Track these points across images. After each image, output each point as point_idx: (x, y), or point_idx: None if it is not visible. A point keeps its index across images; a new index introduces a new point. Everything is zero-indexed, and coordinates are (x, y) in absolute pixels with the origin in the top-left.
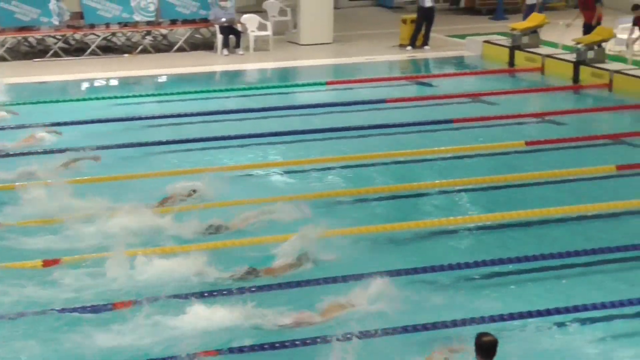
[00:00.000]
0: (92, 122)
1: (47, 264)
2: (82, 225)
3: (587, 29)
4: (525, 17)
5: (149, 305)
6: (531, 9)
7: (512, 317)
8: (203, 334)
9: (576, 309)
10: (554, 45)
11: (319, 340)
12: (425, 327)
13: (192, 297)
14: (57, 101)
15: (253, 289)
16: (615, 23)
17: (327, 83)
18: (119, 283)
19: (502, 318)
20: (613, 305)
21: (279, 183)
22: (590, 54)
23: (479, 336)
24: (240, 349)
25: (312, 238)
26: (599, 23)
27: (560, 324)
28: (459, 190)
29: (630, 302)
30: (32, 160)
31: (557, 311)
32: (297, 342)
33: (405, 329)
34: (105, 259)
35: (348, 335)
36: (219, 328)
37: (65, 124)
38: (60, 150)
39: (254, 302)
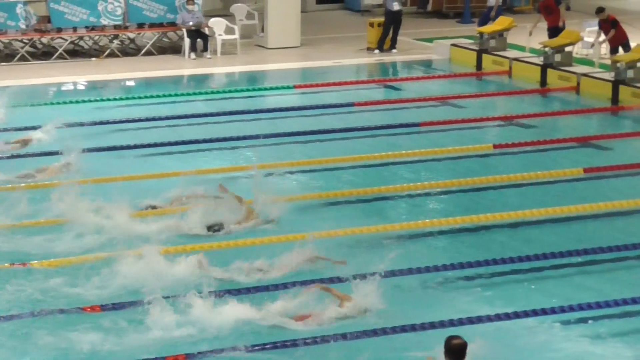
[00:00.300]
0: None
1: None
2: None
3: (553, 32)
4: (483, 19)
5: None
6: (489, 10)
7: (480, 319)
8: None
9: (535, 312)
10: (521, 48)
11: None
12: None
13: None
14: (25, 105)
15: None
16: (581, 26)
17: (295, 87)
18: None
19: (470, 321)
20: (572, 308)
21: (248, 186)
22: (558, 57)
23: (449, 339)
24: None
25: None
26: (556, 28)
27: (531, 326)
28: (426, 194)
29: (589, 306)
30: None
31: (526, 314)
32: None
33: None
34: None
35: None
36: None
37: (34, 128)
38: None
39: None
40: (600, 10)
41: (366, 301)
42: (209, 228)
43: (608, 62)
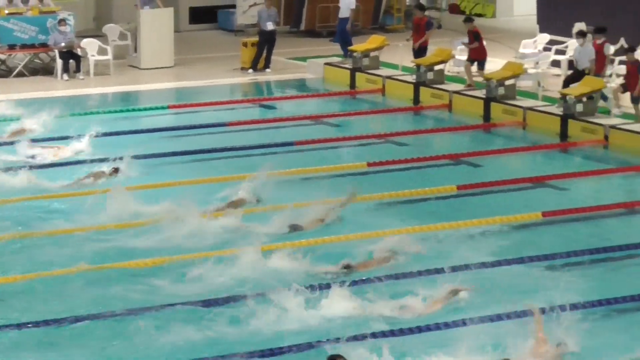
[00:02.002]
0: None
1: None
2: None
3: (419, 51)
4: (339, 35)
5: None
6: (343, 23)
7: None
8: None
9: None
10: (394, 66)
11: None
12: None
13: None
14: None
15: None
16: (453, 44)
17: (169, 107)
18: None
19: None
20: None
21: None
22: (430, 75)
23: (331, 358)
24: None
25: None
26: (421, 48)
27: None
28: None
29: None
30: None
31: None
32: None
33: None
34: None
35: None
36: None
37: None
38: None
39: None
40: (468, 19)
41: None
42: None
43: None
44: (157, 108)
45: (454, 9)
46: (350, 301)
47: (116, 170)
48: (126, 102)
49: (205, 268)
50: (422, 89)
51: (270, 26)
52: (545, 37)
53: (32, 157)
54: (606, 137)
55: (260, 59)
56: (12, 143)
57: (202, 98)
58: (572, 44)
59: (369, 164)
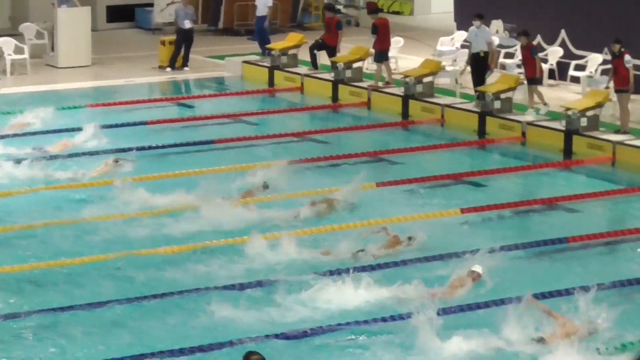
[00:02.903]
0: None
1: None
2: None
3: (330, 50)
4: (257, 33)
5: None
6: (261, 21)
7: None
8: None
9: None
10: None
11: None
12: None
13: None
14: None
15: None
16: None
17: (87, 106)
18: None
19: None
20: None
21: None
22: (349, 73)
23: (247, 355)
24: None
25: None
26: (330, 47)
27: None
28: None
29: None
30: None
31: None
32: None
33: None
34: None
35: None
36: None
37: None
38: None
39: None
40: (372, 10)
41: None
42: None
43: (399, 76)
44: (75, 107)
45: (372, 7)
46: (370, 285)
47: (116, 160)
48: (43, 102)
49: (233, 255)
50: (341, 87)
51: (187, 24)
52: (463, 35)
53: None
54: (523, 134)
55: (178, 57)
56: (14, 135)
57: (120, 97)
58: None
59: (290, 162)
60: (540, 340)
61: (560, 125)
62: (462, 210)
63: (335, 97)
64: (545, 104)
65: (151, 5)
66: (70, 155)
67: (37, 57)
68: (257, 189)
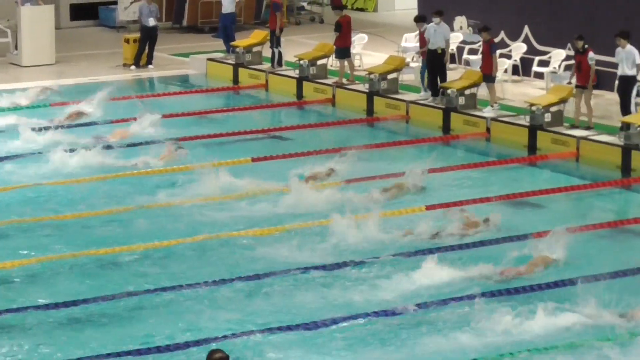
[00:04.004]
0: None
1: None
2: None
3: (272, 35)
4: (221, 30)
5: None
6: (226, 19)
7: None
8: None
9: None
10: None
11: None
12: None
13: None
14: None
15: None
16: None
17: (51, 105)
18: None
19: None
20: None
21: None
22: (313, 70)
23: (211, 353)
24: None
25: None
26: (281, 30)
27: None
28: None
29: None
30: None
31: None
32: None
33: None
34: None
35: None
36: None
37: None
38: None
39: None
40: (336, 6)
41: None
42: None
43: (363, 73)
44: (39, 106)
45: (337, 3)
46: (447, 267)
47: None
48: (6, 101)
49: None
50: (306, 84)
51: (151, 22)
52: None
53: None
54: (488, 130)
55: (143, 55)
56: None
57: (85, 96)
58: (455, 36)
59: (254, 159)
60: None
61: (525, 121)
62: (427, 207)
63: (299, 94)
64: (495, 103)
65: (115, 3)
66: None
67: (0, 56)
68: (321, 175)
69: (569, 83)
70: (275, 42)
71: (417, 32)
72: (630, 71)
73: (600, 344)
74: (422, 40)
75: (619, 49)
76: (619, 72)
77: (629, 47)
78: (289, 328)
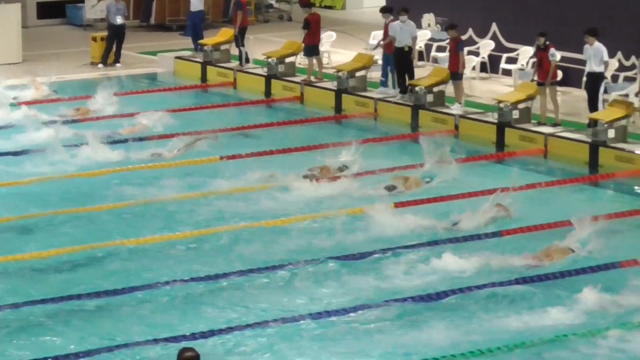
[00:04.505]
0: None
1: None
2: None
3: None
4: (190, 28)
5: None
6: (194, 17)
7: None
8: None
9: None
10: (246, 60)
11: None
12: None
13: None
14: None
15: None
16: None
17: (18, 104)
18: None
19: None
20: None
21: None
22: (281, 68)
23: (182, 351)
24: None
25: None
26: (243, 28)
27: None
28: (157, 205)
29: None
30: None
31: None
32: None
33: None
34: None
35: None
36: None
37: None
38: None
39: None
40: (305, 3)
41: None
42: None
43: (332, 71)
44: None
45: (305, 1)
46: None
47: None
48: None
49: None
50: (274, 82)
51: (119, 20)
52: None
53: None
54: (456, 127)
55: (110, 53)
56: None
57: (54, 94)
58: (423, 34)
59: (222, 158)
60: None
61: (493, 118)
62: (396, 205)
63: (268, 92)
64: (460, 102)
65: (82, 1)
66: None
67: None
68: (334, 169)
69: (533, 80)
70: (239, 40)
71: None
72: (598, 68)
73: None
74: (387, 33)
75: (587, 46)
76: (587, 68)
77: (597, 44)
78: (319, 315)
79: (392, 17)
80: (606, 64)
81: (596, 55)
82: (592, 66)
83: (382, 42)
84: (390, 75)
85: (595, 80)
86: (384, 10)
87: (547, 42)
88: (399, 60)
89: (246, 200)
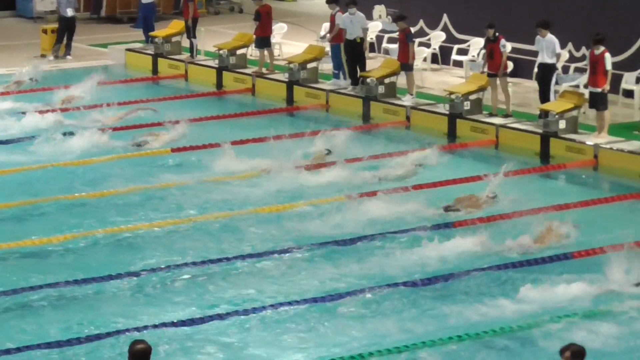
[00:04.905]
0: None
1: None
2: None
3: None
4: (141, 21)
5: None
6: (145, 10)
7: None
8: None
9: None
10: (196, 51)
11: None
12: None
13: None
14: None
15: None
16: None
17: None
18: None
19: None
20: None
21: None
22: (233, 60)
23: (133, 344)
24: None
25: None
26: (194, 20)
27: None
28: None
29: None
30: None
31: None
32: None
33: None
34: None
35: None
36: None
37: None
38: None
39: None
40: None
41: None
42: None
43: (283, 63)
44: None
45: None
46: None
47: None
48: None
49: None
50: (225, 74)
51: (69, 12)
52: None
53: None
54: (408, 118)
55: (61, 45)
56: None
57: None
58: (375, 25)
59: (173, 150)
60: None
61: (444, 109)
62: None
63: (219, 84)
64: (412, 94)
65: None
66: None
67: None
68: (320, 156)
69: (483, 72)
70: (190, 32)
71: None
72: (551, 59)
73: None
74: (333, 24)
75: (538, 38)
76: (539, 59)
77: (550, 36)
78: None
79: (338, 8)
80: (558, 55)
81: (548, 47)
82: (544, 57)
83: (328, 35)
84: (342, 66)
85: (547, 71)
86: (330, 1)
87: (497, 34)
88: (351, 52)
89: (204, 191)
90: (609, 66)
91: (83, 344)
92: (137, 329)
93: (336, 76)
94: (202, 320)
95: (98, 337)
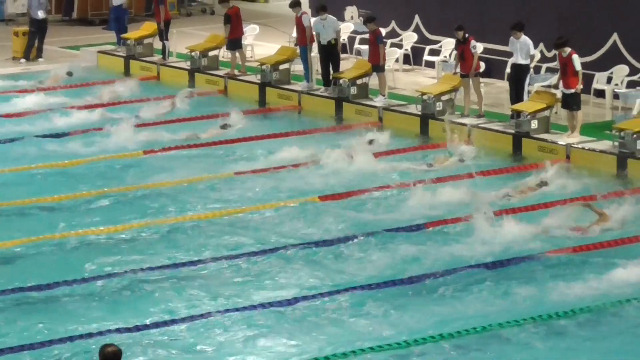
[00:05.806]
0: None
1: None
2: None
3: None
4: (113, 22)
5: None
6: (117, 12)
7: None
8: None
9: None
10: (168, 54)
11: None
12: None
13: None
14: None
15: None
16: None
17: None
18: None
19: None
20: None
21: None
22: (205, 62)
23: (103, 347)
24: None
25: None
26: (166, 22)
27: None
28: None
29: None
30: None
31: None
32: None
33: None
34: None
35: None
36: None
37: None
38: None
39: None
40: (222, 0)
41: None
42: None
43: (255, 64)
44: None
45: None
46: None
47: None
48: None
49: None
50: (198, 76)
51: (41, 14)
52: None
53: None
54: (380, 119)
55: (33, 48)
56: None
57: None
58: (346, 26)
59: (145, 152)
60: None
61: (416, 110)
62: (320, 198)
63: (192, 86)
64: (383, 95)
65: None
66: None
67: None
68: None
69: (455, 73)
70: (162, 34)
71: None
72: (524, 61)
73: None
74: (300, 26)
75: (512, 39)
76: (513, 60)
77: (524, 38)
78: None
79: (303, 11)
80: (532, 57)
81: (522, 49)
82: (518, 58)
83: (293, 36)
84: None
85: (520, 72)
86: (292, 5)
87: (467, 35)
88: (325, 55)
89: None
90: (578, 67)
91: (45, 347)
92: (119, 330)
93: (308, 78)
94: (173, 322)
95: (61, 341)
